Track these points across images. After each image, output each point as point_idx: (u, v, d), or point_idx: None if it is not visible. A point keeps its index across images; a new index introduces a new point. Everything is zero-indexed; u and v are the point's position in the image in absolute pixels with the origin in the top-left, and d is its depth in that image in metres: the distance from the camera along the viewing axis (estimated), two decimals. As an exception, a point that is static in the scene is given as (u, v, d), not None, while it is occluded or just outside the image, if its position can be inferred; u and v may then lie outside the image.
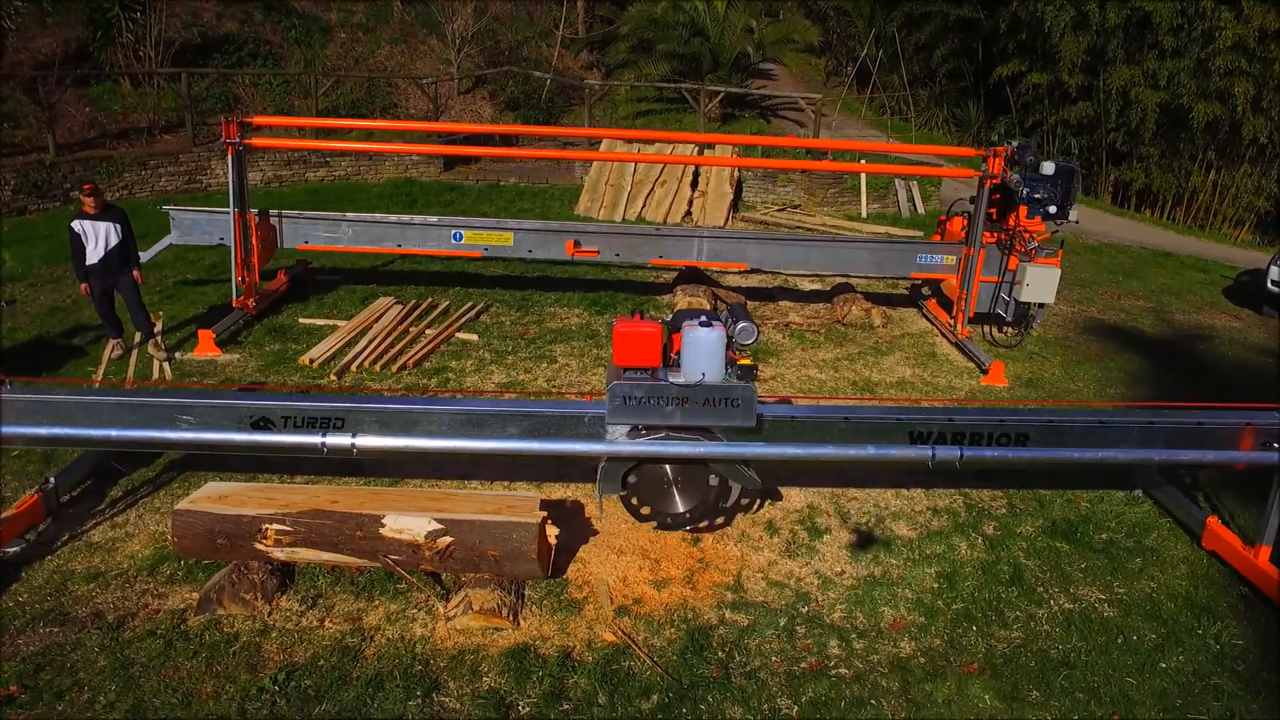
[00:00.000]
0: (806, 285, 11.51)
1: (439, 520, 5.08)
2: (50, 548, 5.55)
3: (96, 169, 13.90)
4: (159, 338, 8.44)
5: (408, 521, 5.09)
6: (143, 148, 14.93)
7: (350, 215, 9.80)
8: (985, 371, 8.76)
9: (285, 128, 11.55)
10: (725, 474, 5.41)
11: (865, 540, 5.99)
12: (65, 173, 13.58)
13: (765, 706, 4.55)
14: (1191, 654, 5.05)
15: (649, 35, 19.81)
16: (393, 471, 6.54)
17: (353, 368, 8.26)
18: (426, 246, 9.76)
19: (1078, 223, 9.63)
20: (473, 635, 4.92)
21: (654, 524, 5.70)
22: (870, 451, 5.31)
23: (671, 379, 5.24)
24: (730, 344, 5.39)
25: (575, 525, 5.92)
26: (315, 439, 5.11)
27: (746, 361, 5.42)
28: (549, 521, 5.23)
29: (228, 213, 8.97)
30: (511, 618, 5.01)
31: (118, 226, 8.05)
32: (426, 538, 5.07)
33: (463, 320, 9.55)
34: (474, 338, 9.15)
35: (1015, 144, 9.09)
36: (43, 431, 5.19)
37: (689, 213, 14.30)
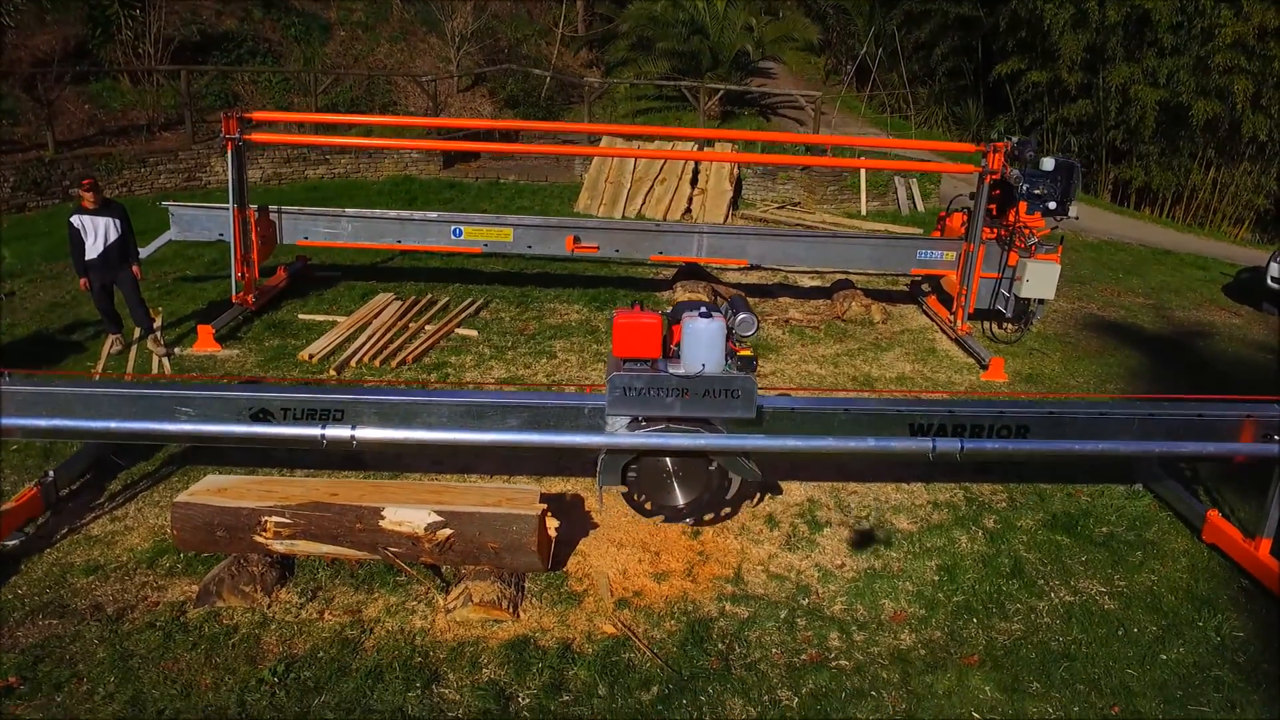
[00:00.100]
0: (806, 281, 11.50)
1: (439, 512, 5.08)
2: (50, 540, 5.55)
3: (96, 166, 13.87)
4: (158, 333, 8.43)
5: (407, 514, 5.09)
6: (142, 145, 14.91)
7: (350, 211, 9.81)
8: (985, 367, 8.76)
9: (285, 124, 11.53)
10: (725, 465, 5.41)
11: (865, 535, 5.98)
12: (64, 170, 13.57)
13: (765, 698, 4.54)
14: (1192, 646, 5.05)
15: (648, 33, 19.80)
16: (392, 465, 6.54)
17: (352, 363, 8.25)
18: (426, 242, 9.75)
19: (1077, 219, 9.60)
20: (472, 627, 4.92)
21: (660, 518, 5.69)
22: (871, 444, 5.31)
23: (671, 370, 5.24)
24: (730, 335, 5.39)
25: (575, 518, 5.92)
26: (315, 431, 5.12)
27: (746, 353, 5.40)
28: (549, 514, 5.24)
29: (227, 208, 8.96)
30: (511, 610, 5.00)
31: (117, 222, 8.05)
32: (426, 530, 5.06)
33: (462, 316, 9.54)
34: (474, 333, 9.14)
35: (1015, 140, 9.08)
36: (42, 423, 5.19)
37: (689, 210, 14.29)
